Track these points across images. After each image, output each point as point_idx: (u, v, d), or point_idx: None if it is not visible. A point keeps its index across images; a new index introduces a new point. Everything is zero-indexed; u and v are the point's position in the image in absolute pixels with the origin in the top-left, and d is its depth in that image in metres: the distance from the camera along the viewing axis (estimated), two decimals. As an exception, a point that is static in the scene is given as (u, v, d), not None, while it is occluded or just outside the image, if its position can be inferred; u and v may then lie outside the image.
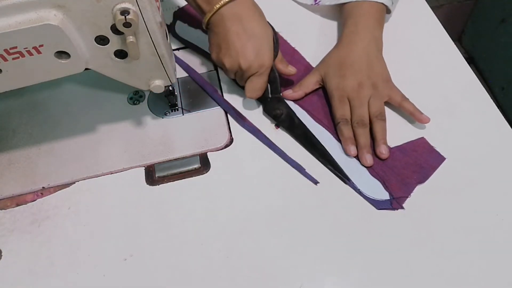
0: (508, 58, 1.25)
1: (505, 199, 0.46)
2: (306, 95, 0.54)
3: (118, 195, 0.47)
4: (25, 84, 0.40)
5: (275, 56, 0.49)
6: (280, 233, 0.44)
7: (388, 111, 0.51)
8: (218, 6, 0.46)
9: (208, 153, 0.50)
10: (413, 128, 0.51)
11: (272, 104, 0.52)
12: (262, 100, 0.52)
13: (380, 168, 0.48)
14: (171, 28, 0.60)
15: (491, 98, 0.53)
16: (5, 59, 0.36)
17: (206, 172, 0.49)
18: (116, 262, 0.43)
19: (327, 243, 0.44)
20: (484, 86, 0.54)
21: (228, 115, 0.53)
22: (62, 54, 0.38)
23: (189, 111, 0.53)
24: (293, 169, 0.48)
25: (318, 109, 0.53)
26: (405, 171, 0.47)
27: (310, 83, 0.53)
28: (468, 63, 0.56)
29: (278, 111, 0.51)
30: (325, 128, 0.51)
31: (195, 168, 0.49)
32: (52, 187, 0.48)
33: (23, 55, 0.36)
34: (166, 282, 0.42)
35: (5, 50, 0.36)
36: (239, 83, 0.52)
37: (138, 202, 0.47)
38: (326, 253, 0.43)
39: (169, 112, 0.53)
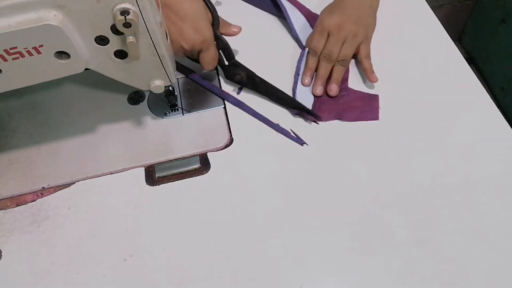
0: (508, 58, 1.25)
1: (505, 199, 0.46)
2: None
3: (118, 195, 0.47)
4: (25, 84, 0.40)
5: (216, 25, 0.50)
6: (280, 233, 0.44)
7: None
8: None
9: (208, 153, 0.50)
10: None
11: (231, 71, 0.54)
12: (222, 68, 0.54)
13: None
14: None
15: (491, 98, 0.53)
16: (5, 59, 0.36)
17: (206, 172, 0.49)
18: (116, 262, 0.43)
19: (327, 243, 0.44)
20: (484, 86, 0.54)
21: (228, 115, 0.53)
22: (62, 54, 0.38)
23: (189, 111, 0.53)
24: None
25: None
26: (344, 106, 0.53)
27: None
28: (468, 63, 0.56)
29: (238, 76, 0.54)
30: None
31: (195, 168, 0.49)
32: (52, 187, 0.48)
33: (23, 55, 0.36)
34: (166, 282, 0.42)
35: (5, 50, 0.36)
36: (193, 61, 0.53)
37: (138, 202, 0.47)
38: (326, 253, 0.43)
39: (169, 112, 0.53)
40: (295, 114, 0.52)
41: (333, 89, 0.53)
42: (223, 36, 0.51)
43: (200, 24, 0.48)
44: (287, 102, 0.53)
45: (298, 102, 0.52)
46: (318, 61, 0.55)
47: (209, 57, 0.50)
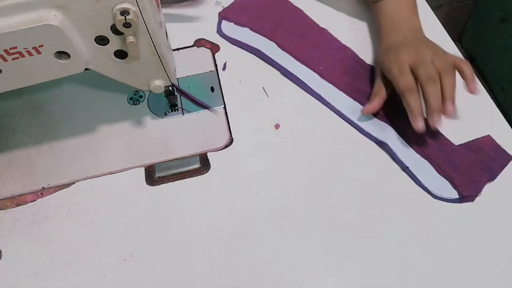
0: (508, 58, 1.25)
1: (505, 199, 0.46)
2: (384, 101, 0.50)
3: (118, 195, 0.47)
4: (25, 84, 0.40)
5: None
6: (280, 233, 0.44)
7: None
8: None
9: (208, 153, 0.50)
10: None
11: None
12: None
13: (447, 166, 0.47)
14: (218, 29, 0.61)
15: (491, 98, 0.53)
16: (5, 59, 0.36)
17: (206, 172, 0.49)
18: (116, 262, 0.43)
19: (327, 243, 0.44)
20: (484, 86, 0.54)
21: (228, 115, 0.53)
22: (62, 54, 0.38)
23: (189, 111, 0.53)
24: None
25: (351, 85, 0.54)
26: (472, 169, 0.47)
27: (379, 86, 0.50)
28: (468, 63, 0.56)
29: None
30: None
31: (195, 168, 0.49)
32: (52, 187, 0.48)
33: (23, 55, 0.36)
34: (166, 282, 0.42)
35: (5, 50, 0.36)
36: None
37: (138, 202, 0.47)
38: (326, 253, 0.43)
39: (169, 112, 0.53)
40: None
41: (451, 108, 0.44)
42: None
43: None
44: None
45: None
46: (422, 90, 0.46)
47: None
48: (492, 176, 0.46)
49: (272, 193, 0.47)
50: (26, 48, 0.36)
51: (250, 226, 0.45)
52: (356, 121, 0.51)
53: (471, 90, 0.46)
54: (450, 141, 0.49)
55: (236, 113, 0.53)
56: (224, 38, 0.60)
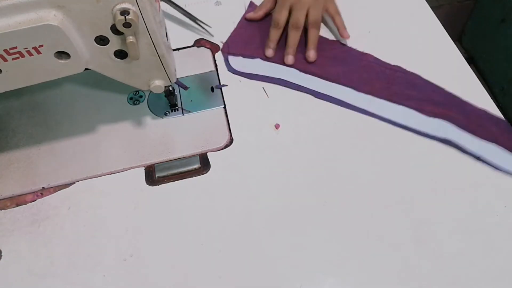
0: (508, 58, 1.24)
1: (505, 199, 0.46)
2: (266, 15, 0.60)
3: (118, 195, 0.47)
4: (25, 84, 0.40)
5: None
6: (280, 233, 0.44)
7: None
8: None
9: (208, 153, 0.50)
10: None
11: None
12: None
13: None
14: (227, 66, 0.57)
15: (491, 98, 0.53)
16: (5, 59, 0.36)
17: (206, 172, 0.49)
18: (116, 262, 0.43)
19: (327, 243, 0.44)
20: (484, 86, 0.54)
21: (228, 115, 0.53)
22: (62, 54, 0.38)
23: (189, 111, 0.53)
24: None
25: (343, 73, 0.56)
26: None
27: (267, 1, 0.60)
28: (468, 63, 0.56)
29: None
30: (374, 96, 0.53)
31: (195, 168, 0.49)
32: (52, 187, 0.48)
33: (23, 55, 0.36)
34: (166, 282, 0.42)
35: (5, 50, 0.36)
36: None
37: (138, 202, 0.47)
38: (326, 253, 0.43)
39: (169, 112, 0.53)
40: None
41: (311, 55, 0.55)
42: None
43: None
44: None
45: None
46: (288, 32, 0.56)
47: None
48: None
49: (272, 193, 0.47)
50: (26, 48, 0.36)
51: (250, 226, 0.45)
52: (410, 125, 0.50)
53: (343, 36, 0.58)
54: (504, 120, 0.50)
55: (236, 113, 0.53)
56: (238, 75, 0.56)
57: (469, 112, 0.51)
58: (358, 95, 0.53)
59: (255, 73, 0.56)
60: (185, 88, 0.54)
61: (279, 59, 0.57)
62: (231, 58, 0.57)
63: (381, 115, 0.52)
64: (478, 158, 0.48)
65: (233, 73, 0.56)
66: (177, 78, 0.50)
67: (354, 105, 0.52)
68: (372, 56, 0.57)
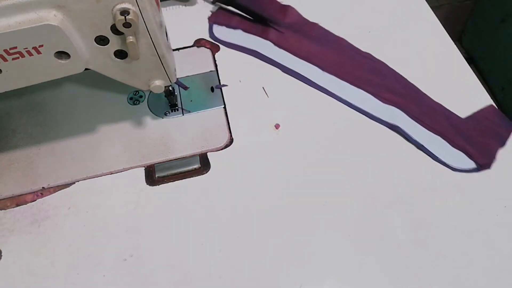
0: (508, 58, 1.25)
1: (505, 199, 0.46)
2: None
3: (118, 195, 0.47)
4: (25, 84, 0.40)
5: None
6: (280, 233, 0.44)
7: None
8: None
9: (208, 153, 0.50)
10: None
11: None
12: None
13: (459, 139, 0.49)
14: (210, 33, 0.61)
15: (491, 98, 0.53)
16: (5, 59, 0.36)
17: (206, 172, 0.49)
18: (116, 262, 0.43)
19: (327, 243, 0.44)
20: (484, 86, 0.54)
21: (228, 115, 0.53)
22: (62, 54, 0.38)
23: (189, 111, 0.53)
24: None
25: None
26: (483, 138, 0.49)
27: None
28: (468, 63, 0.56)
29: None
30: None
31: (195, 168, 0.49)
32: (52, 187, 0.48)
33: (23, 55, 0.36)
34: (166, 282, 0.42)
35: (5, 50, 0.36)
36: None
37: (138, 202, 0.47)
38: (326, 253, 0.43)
39: (169, 112, 0.53)
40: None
41: None
42: None
43: None
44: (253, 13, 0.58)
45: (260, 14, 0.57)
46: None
47: None
48: (501, 143, 0.49)
49: (272, 193, 0.47)
50: (26, 48, 0.36)
51: (250, 226, 0.45)
52: (365, 109, 0.52)
53: None
54: (457, 115, 0.51)
55: (236, 113, 0.53)
56: (218, 42, 0.60)
57: (424, 104, 0.53)
58: (323, 74, 0.56)
59: (233, 43, 0.59)
60: (185, 88, 0.54)
61: (258, 31, 0.60)
62: (215, 27, 0.61)
63: (340, 96, 0.54)
64: (421, 147, 0.49)
65: (214, 40, 0.60)
66: (177, 78, 0.50)
67: (317, 83, 0.55)
68: (346, 41, 0.59)
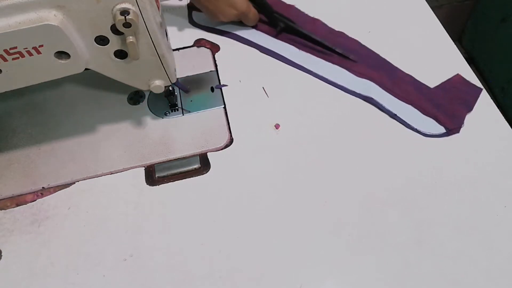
0: (508, 58, 1.25)
1: (505, 199, 0.46)
2: None
3: (118, 195, 0.47)
4: (25, 84, 0.40)
5: None
6: (280, 233, 0.44)
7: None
8: None
9: (208, 153, 0.50)
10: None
11: (272, 22, 0.60)
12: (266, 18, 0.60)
13: (430, 106, 0.52)
14: (189, 18, 0.63)
15: (491, 98, 0.53)
16: (5, 59, 0.36)
17: (206, 172, 0.49)
18: (116, 262, 0.43)
19: (327, 243, 0.44)
20: (484, 86, 0.54)
21: (228, 115, 0.53)
22: (62, 54, 0.38)
23: (189, 111, 0.53)
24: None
25: None
26: (451, 105, 0.52)
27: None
28: (468, 63, 0.56)
29: (279, 26, 0.59)
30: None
31: (195, 168, 0.49)
32: (52, 187, 0.48)
33: (23, 55, 0.36)
34: (166, 282, 0.42)
35: (5, 50, 0.36)
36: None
37: (138, 202, 0.47)
38: (326, 253, 0.43)
39: (169, 112, 0.53)
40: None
41: None
42: None
43: (233, 0, 0.55)
44: (322, 44, 0.57)
45: (330, 46, 0.57)
46: None
47: (249, 21, 0.59)
48: (469, 108, 0.52)
49: (272, 193, 0.47)
50: (26, 48, 0.36)
51: (250, 226, 0.45)
52: (339, 82, 0.55)
53: None
54: (427, 85, 0.55)
55: (236, 113, 0.53)
56: (198, 28, 0.61)
57: (396, 76, 0.55)
58: (299, 52, 0.59)
59: (212, 26, 0.61)
60: (186, 91, 0.54)
61: None
62: (194, 13, 0.63)
63: (316, 72, 0.56)
64: (393, 116, 0.52)
65: (193, 25, 0.62)
66: (178, 79, 0.51)
67: (293, 61, 0.58)
68: (320, 21, 0.62)
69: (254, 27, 0.61)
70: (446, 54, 0.58)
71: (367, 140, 0.51)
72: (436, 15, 0.62)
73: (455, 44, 0.58)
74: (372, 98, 0.53)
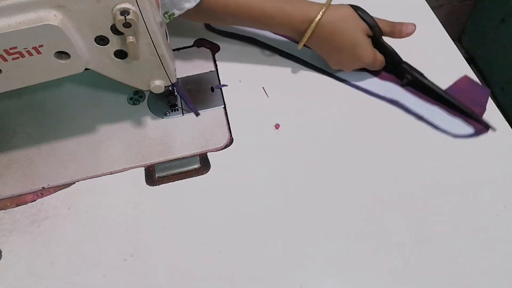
0: (508, 58, 1.25)
1: (505, 199, 0.46)
2: None
3: (118, 195, 0.47)
4: (25, 84, 0.40)
5: (378, 34, 0.52)
6: (280, 233, 0.44)
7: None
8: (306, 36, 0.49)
9: (208, 153, 0.50)
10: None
11: (399, 73, 0.55)
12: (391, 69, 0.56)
13: (452, 107, 0.52)
14: (209, 25, 0.61)
15: (491, 98, 0.53)
16: (5, 59, 0.36)
17: (206, 172, 0.49)
18: (116, 262, 0.43)
19: (327, 243, 0.44)
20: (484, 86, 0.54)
21: (228, 115, 0.53)
22: (62, 54, 0.38)
23: (189, 111, 0.53)
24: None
25: None
26: (468, 106, 0.51)
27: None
28: (468, 63, 0.56)
29: (405, 78, 0.55)
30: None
31: (195, 168, 0.49)
32: (52, 187, 0.48)
33: (23, 55, 0.36)
34: (166, 282, 0.42)
35: (5, 50, 0.36)
36: None
37: (138, 202, 0.47)
38: (326, 253, 0.43)
39: (169, 112, 0.53)
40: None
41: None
42: (387, 43, 0.53)
43: (359, 52, 0.51)
44: (454, 105, 0.52)
45: (465, 107, 0.51)
46: None
47: (375, 68, 0.54)
48: (483, 109, 0.51)
49: (272, 193, 0.47)
50: (26, 48, 0.36)
51: (250, 226, 0.45)
52: (364, 86, 0.55)
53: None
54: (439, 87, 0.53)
55: (236, 113, 0.53)
56: (218, 33, 0.60)
57: None
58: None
59: (231, 32, 0.60)
60: (197, 114, 0.53)
61: None
62: None
63: (339, 75, 0.56)
64: (420, 118, 0.52)
65: (213, 32, 0.61)
66: (189, 101, 0.52)
67: (314, 64, 0.57)
68: None
69: (376, 73, 0.56)
70: (446, 54, 0.58)
71: (367, 140, 0.50)
72: (436, 15, 0.62)
73: (455, 44, 0.58)
74: (397, 101, 0.53)
